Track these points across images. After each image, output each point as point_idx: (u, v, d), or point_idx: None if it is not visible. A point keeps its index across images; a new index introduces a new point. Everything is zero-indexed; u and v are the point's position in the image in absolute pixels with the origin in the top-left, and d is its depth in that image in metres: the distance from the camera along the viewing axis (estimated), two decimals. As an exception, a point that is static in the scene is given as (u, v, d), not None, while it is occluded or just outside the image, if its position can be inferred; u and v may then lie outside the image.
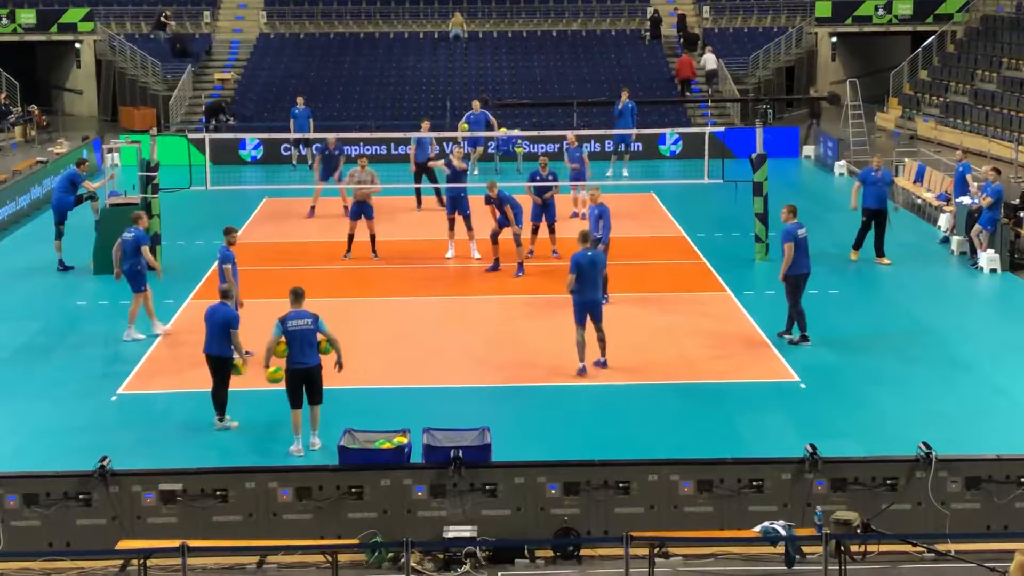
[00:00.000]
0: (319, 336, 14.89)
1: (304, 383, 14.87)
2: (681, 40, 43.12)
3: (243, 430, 15.42)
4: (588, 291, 17.26)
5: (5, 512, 12.64)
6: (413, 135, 29.23)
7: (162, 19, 44.01)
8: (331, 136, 28.05)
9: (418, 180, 28.78)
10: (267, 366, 14.95)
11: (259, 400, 16.11)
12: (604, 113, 35.97)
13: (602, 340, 17.54)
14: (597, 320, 17.44)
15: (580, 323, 17.35)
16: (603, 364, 17.62)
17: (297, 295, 15.18)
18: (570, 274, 17.27)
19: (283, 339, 14.76)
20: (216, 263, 18.71)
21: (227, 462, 14.27)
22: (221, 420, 15.51)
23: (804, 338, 18.72)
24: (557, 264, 22.88)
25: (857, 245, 23.72)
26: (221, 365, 15.45)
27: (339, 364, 15.00)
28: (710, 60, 41.51)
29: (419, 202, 28.97)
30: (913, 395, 16.66)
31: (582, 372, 17.35)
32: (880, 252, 23.49)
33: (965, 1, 44.04)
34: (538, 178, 23.81)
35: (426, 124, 29.71)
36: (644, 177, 31.51)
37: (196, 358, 16.39)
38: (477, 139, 33.04)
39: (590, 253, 17.39)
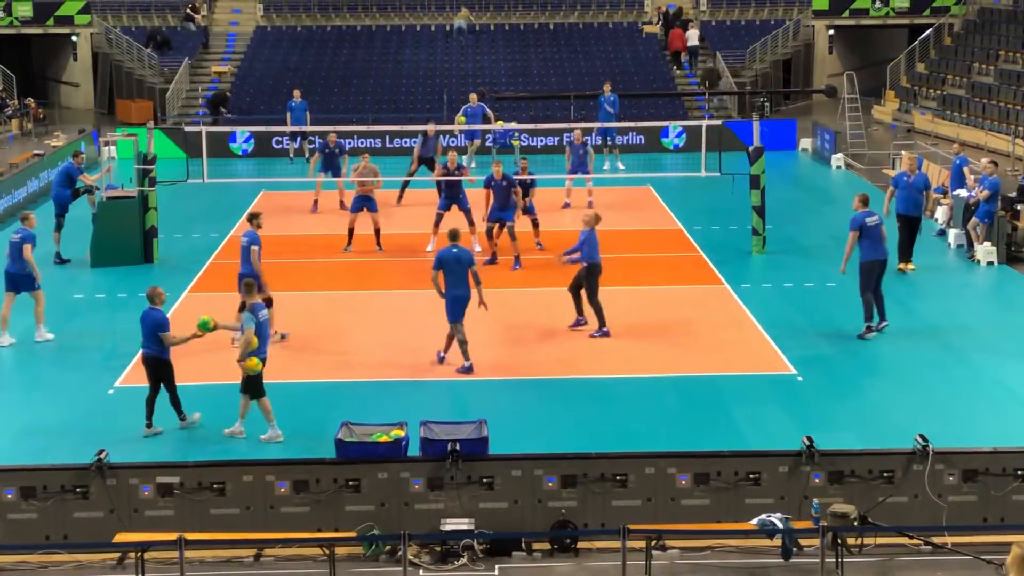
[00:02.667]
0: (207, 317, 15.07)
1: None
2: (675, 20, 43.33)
3: (254, 421, 15.30)
4: (456, 287, 17.28)
5: (2, 505, 12.64)
6: (422, 128, 29.29)
7: (189, 11, 43.79)
8: (331, 133, 27.98)
9: (412, 175, 28.65)
10: (242, 359, 14.83)
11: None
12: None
13: (451, 336, 17.44)
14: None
15: (455, 320, 17.32)
16: (442, 359, 17.61)
17: (249, 287, 15.23)
18: (433, 270, 17.33)
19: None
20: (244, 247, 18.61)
21: (224, 455, 14.29)
22: (184, 419, 15.26)
23: (883, 319, 18.74)
24: (544, 257, 22.86)
25: (902, 256, 22.47)
26: (160, 367, 15.17)
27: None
28: (693, 36, 42.20)
29: (400, 196, 28.77)
30: (910, 388, 16.68)
31: (467, 370, 17.25)
32: (907, 257, 22.48)
33: (962, -6, 44.09)
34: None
35: (431, 127, 29.36)
36: (646, 170, 31.46)
37: (191, 350, 16.39)
38: (474, 132, 33.02)
39: (455, 250, 17.41)
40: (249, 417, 15.07)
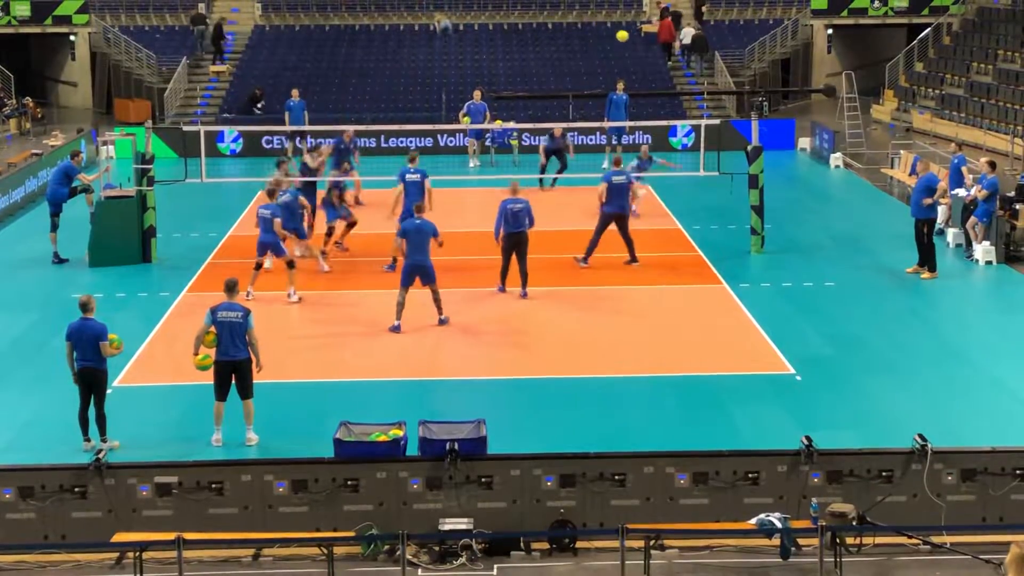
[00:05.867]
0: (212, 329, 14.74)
1: (231, 376, 14.77)
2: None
3: (238, 422, 15.28)
4: (415, 255, 18.84)
5: (1, 505, 12.63)
6: (544, 135, 30.75)
7: (197, 15, 43.57)
8: (349, 130, 28.07)
9: (543, 169, 30.10)
10: (195, 353, 14.84)
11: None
12: (600, 105, 35.89)
13: (436, 300, 19.08)
14: (430, 282, 18.94)
15: (404, 285, 18.89)
16: (444, 321, 19.17)
17: (230, 287, 15.16)
18: (398, 238, 19.09)
19: (212, 328, 14.70)
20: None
21: (223, 455, 14.28)
22: (105, 440, 14.64)
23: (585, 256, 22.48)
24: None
25: (920, 261, 22.13)
26: (101, 378, 14.79)
27: (258, 365, 14.87)
28: (687, 33, 42.24)
29: (547, 181, 30.04)
30: (909, 387, 16.67)
31: (396, 329, 18.84)
32: (921, 262, 22.08)
33: (961, -7, 44.12)
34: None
35: (558, 129, 30.39)
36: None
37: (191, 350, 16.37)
38: (479, 131, 33.04)
39: (418, 221, 19.05)
40: (256, 422, 15.02)
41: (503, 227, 20.72)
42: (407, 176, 22.75)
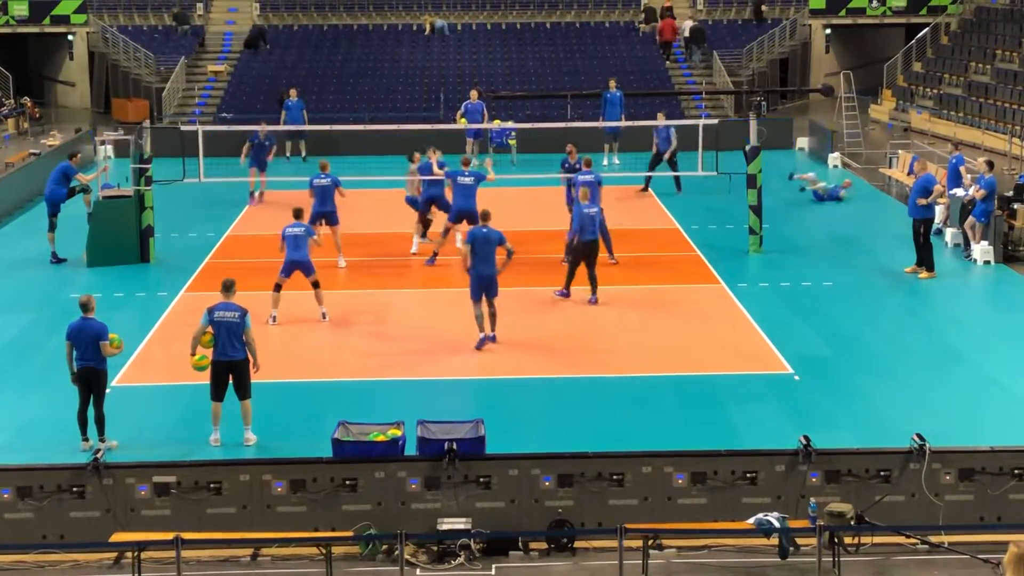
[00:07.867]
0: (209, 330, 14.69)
1: (229, 376, 14.75)
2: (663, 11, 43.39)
3: (236, 422, 15.28)
4: (482, 266, 17.97)
5: (-1, 505, 12.64)
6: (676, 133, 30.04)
7: (177, 13, 43.64)
8: (263, 123, 28.63)
9: (673, 167, 29.58)
10: (193, 354, 14.85)
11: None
12: (598, 105, 35.86)
13: (493, 315, 18.16)
14: (491, 295, 18.06)
15: (476, 299, 18.03)
16: (492, 339, 18.20)
17: (227, 287, 15.14)
18: (465, 245, 18.20)
19: (210, 329, 14.69)
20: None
21: (221, 455, 14.28)
22: (103, 440, 14.59)
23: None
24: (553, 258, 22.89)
25: (918, 261, 22.11)
26: (100, 378, 14.74)
27: (255, 365, 14.84)
28: (687, 26, 42.40)
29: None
30: (907, 387, 16.68)
31: (482, 342, 18.06)
32: (919, 262, 22.07)
33: (959, -7, 44.15)
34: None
35: (661, 116, 30.42)
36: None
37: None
38: (478, 131, 33.02)
39: (484, 230, 18.16)
40: (255, 421, 15.02)
41: (577, 234, 20.31)
42: (459, 179, 22.84)
